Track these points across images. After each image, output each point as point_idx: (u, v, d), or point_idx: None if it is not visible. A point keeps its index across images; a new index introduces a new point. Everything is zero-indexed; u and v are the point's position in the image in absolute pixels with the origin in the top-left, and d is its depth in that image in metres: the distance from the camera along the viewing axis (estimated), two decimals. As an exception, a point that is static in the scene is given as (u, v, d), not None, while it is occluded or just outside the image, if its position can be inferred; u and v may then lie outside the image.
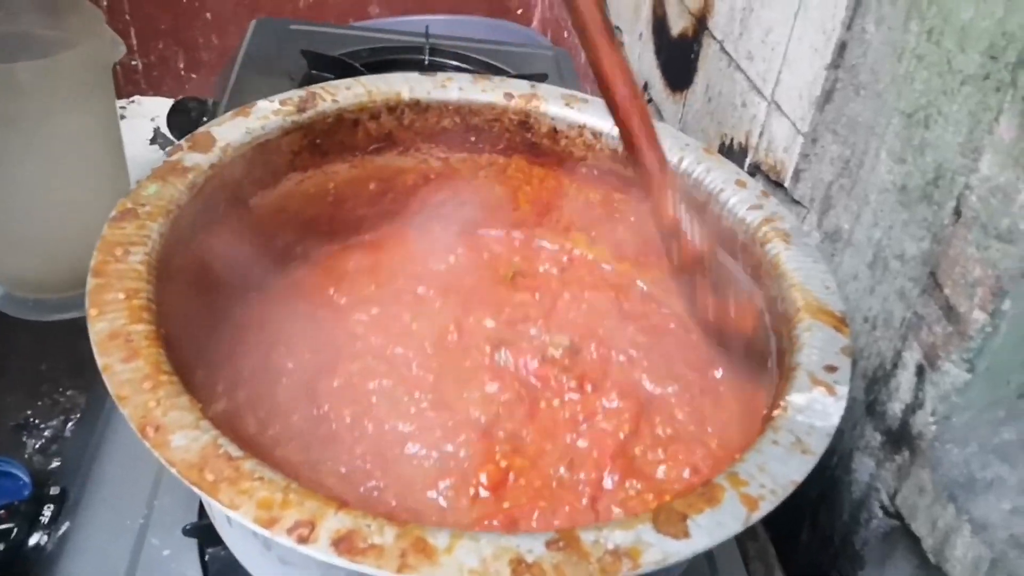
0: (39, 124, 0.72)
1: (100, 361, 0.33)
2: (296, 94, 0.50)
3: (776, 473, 0.33)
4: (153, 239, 0.39)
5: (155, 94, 1.38)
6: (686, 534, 0.30)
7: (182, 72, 1.43)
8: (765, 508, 0.32)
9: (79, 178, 0.77)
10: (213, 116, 0.89)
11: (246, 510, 0.29)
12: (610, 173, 0.54)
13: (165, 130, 1.01)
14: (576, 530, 0.30)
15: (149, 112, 1.21)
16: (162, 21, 1.37)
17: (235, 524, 0.37)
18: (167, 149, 0.44)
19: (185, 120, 0.90)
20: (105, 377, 0.33)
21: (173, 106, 0.89)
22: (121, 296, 0.36)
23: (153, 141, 1.14)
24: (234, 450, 0.31)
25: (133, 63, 1.39)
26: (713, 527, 0.31)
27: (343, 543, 0.28)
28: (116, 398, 0.32)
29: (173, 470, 0.30)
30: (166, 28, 1.38)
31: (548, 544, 0.29)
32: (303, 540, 0.28)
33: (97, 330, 0.34)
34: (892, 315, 0.51)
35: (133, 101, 1.29)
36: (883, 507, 0.52)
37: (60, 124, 0.73)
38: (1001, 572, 0.41)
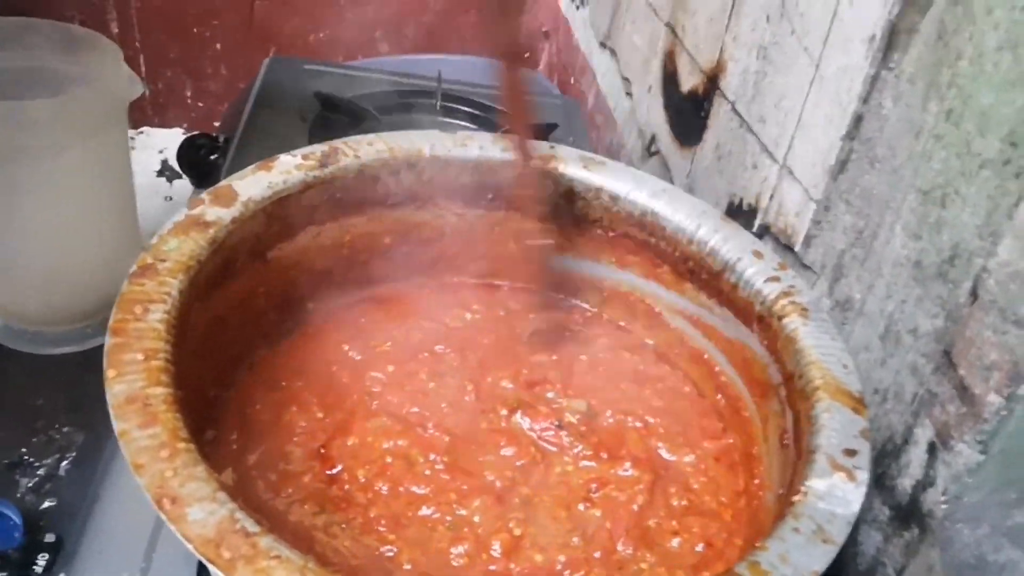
0: (49, 159, 0.71)
1: (117, 427, 0.33)
2: (318, 149, 0.50)
3: (798, 563, 0.33)
4: (173, 296, 0.39)
5: (160, 122, 1.39)
6: (709, 628, 0.30)
7: (189, 101, 1.44)
8: (787, 601, 0.31)
9: (86, 213, 0.77)
10: (224, 153, 0.89)
11: (264, 591, 0.29)
12: (625, 236, 0.55)
13: (173, 162, 1.01)
14: (596, 623, 0.30)
15: (158, 144, 1.21)
16: (171, 50, 1.38)
17: (243, 592, 0.36)
18: (188, 202, 0.44)
19: (195, 156, 0.90)
20: (122, 444, 0.32)
21: (184, 142, 0.90)
22: (140, 357, 0.36)
23: (161, 173, 1.14)
24: (251, 525, 0.31)
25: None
26: (735, 621, 0.30)
27: (361, 630, 0.28)
28: (133, 467, 0.32)
29: (190, 546, 0.29)
30: (175, 57, 1.39)
31: (568, 636, 0.29)
32: (320, 626, 0.28)
33: (115, 393, 0.34)
34: (903, 389, 0.51)
35: (142, 132, 1.29)
36: (890, 583, 0.52)
37: (71, 160, 0.73)
38: (1015, 662, 0.40)
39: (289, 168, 0.48)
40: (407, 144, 0.52)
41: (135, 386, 0.34)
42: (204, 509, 0.30)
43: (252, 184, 0.46)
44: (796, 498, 0.35)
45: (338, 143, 0.51)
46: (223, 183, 0.46)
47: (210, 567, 0.29)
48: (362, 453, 0.44)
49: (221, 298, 0.45)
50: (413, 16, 1.39)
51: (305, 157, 0.49)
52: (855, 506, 0.35)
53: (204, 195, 0.45)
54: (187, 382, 0.38)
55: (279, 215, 0.47)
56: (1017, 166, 0.43)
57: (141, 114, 1.39)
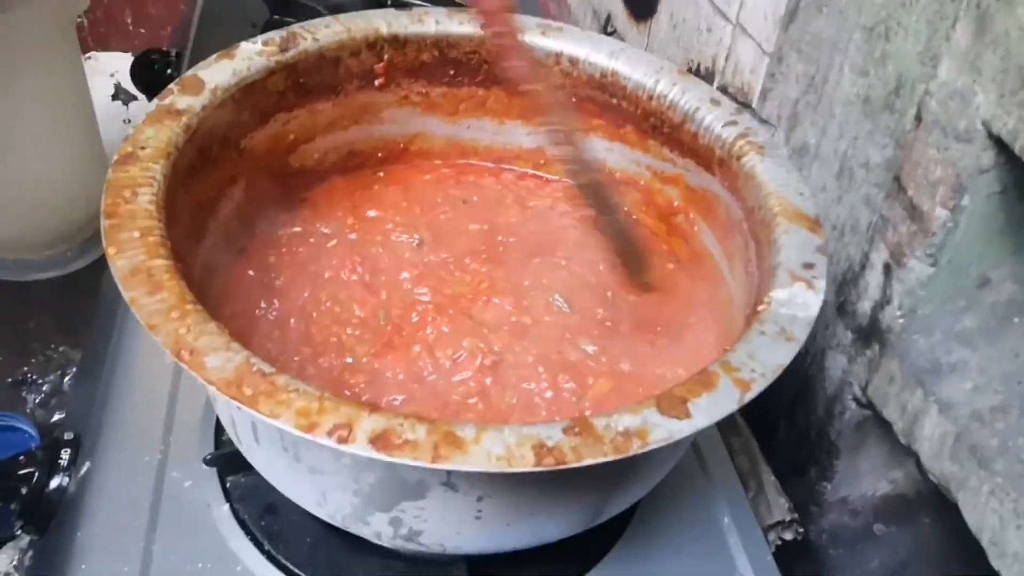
0: (5, 84, 0.71)
1: (126, 295, 0.35)
2: (277, 34, 0.50)
3: (764, 359, 0.36)
4: (158, 180, 0.40)
5: (103, 50, 1.35)
6: (688, 415, 0.33)
7: (130, 27, 1.40)
8: (756, 389, 0.35)
9: (50, 135, 0.77)
10: (178, 67, 0.88)
11: (287, 418, 0.31)
12: (588, 100, 0.56)
13: (127, 84, 1.00)
14: (589, 417, 0.33)
15: (108, 68, 1.18)
16: (108, -25, 1.33)
17: (263, 442, 0.39)
18: (159, 94, 0.45)
19: (149, 73, 0.89)
20: (133, 309, 0.34)
21: (136, 60, 0.88)
22: (136, 235, 0.37)
23: (115, 97, 1.12)
24: (266, 367, 0.33)
25: (79, 20, 1.35)
26: (711, 407, 0.34)
27: (380, 441, 0.31)
28: (147, 327, 0.34)
29: (212, 388, 0.32)
30: (112, -18, 1.34)
31: (565, 431, 0.32)
32: (343, 441, 0.31)
33: (119, 266, 0.36)
34: (859, 221, 0.55)
35: (90, 57, 1.26)
36: (855, 399, 0.56)
37: (27, 82, 0.72)
38: (964, 444, 0.45)
39: (251, 55, 0.49)
40: (364, 23, 0.52)
41: (136, 260, 0.36)
42: (221, 357, 0.33)
43: (217, 72, 0.47)
44: (760, 307, 0.39)
45: (295, 28, 0.51)
46: (188, 73, 0.46)
47: (235, 404, 0.32)
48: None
49: (201, 186, 0.46)
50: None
51: (265, 43, 0.50)
52: (814, 309, 0.39)
53: (172, 86, 0.45)
54: (182, 260, 0.39)
55: (247, 102, 0.48)
56: (953, -12, 0.45)
57: (81, 44, 1.35)
